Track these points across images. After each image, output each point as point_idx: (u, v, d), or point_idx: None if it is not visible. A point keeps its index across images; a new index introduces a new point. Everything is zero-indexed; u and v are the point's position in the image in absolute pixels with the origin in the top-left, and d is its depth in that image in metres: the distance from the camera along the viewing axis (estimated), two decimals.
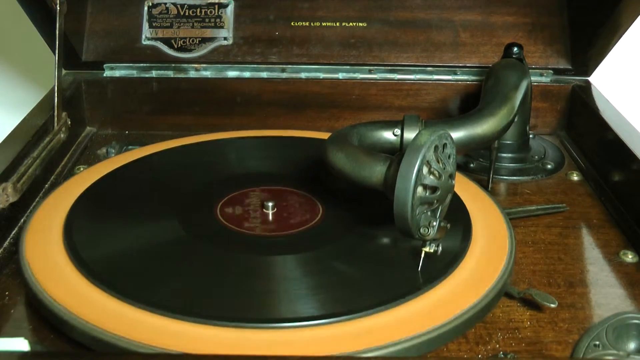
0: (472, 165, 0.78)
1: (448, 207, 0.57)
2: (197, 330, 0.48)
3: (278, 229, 0.61)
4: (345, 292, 0.53)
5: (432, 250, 0.54)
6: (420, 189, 0.53)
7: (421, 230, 0.53)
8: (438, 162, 0.54)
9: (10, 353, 0.44)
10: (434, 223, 0.53)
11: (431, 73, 0.87)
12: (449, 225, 0.55)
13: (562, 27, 0.88)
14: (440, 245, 0.55)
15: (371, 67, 0.87)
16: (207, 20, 0.88)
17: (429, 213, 0.54)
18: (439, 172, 0.53)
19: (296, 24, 0.88)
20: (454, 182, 0.56)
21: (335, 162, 0.60)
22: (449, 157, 0.55)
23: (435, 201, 0.54)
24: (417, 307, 0.51)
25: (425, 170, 0.52)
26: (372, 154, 0.58)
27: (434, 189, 0.53)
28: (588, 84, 0.87)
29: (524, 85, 0.74)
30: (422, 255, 0.54)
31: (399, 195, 0.51)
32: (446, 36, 0.88)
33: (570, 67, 0.88)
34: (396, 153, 0.57)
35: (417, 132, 0.62)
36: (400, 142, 0.65)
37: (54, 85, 0.74)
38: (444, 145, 0.55)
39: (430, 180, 0.53)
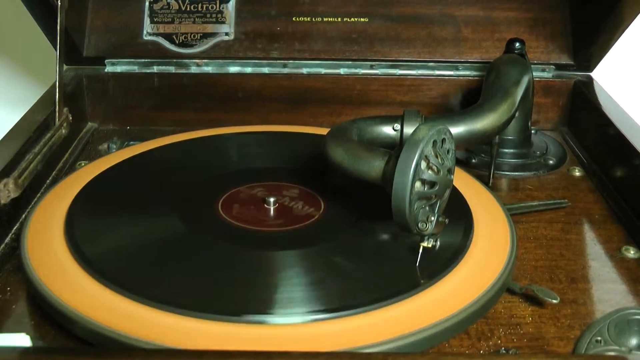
0: (473, 160, 0.78)
1: (447, 202, 0.57)
2: (198, 325, 0.48)
3: (279, 224, 0.61)
4: (347, 288, 0.53)
5: (430, 245, 0.54)
6: (418, 184, 0.53)
7: (419, 225, 0.53)
8: (436, 157, 0.53)
9: (12, 349, 0.44)
10: (432, 218, 0.53)
11: (433, 68, 0.87)
12: (447, 220, 0.55)
13: (564, 23, 0.88)
14: (439, 240, 0.55)
15: (373, 63, 0.87)
16: (208, 15, 0.88)
17: (427, 208, 0.54)
18: (437, 167, 0.53)
19: (297, 19, 0.88)
20: (452, 177, 0.55)
21: (334, 156, 0.60)
22: (448, 152, 0.55)
23: (434, 196, 0.54)
24: (419, 303, 0.51)
25: (423, 165, 0.52)
26: (371, 149, 0.58)
27: (432, 184, 0.53)
28: (590, 79, 0.87)
29: (525, 81, 0.74)
30: (420, 250, 0.54)
31: (397, 190, 0.51)
32: (448, 31, 0.88)
33: (572, 63, 0.87)
34: (395, 148, 0.57)
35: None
36: (400, 137, 0.65)
37: (55, 81, 0.74)
38: (443, 140, 0.54)
39: (428, 175, 0.53)
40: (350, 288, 0.53)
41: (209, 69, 0.87)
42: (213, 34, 0.88)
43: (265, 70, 0.87)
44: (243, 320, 0.48)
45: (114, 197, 0.65)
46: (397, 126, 0.65)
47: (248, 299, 0.51)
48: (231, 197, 0.65)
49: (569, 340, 0.52)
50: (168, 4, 0.88)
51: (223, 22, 0.88)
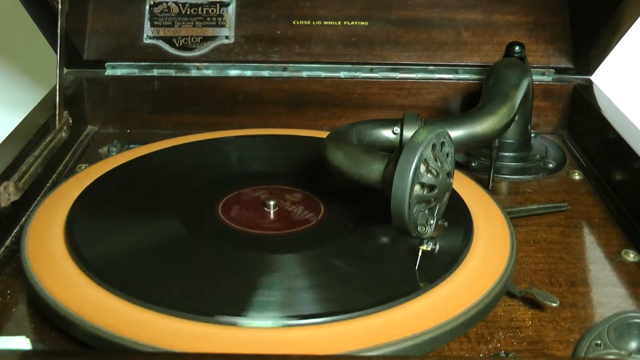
0: (473, 164, 0.78)
1: (446, 205, 0.57)
2: (197, 328, 0.48)
3: (279, 227, 0.61)
4: (347, 291, 0.53)
5: (429, 249, 0.54)
6: (417, 187, 0.53)
7: (418, 228, 0.53)
8: (436, 160, 0.54)
9: (12, 352, 0.44)
10: (432, 221, 0.53)
11: (432, 72, 0.87)
12: (446, 224, 0.55)
13: (563, 26, 0.88)
14: (438, 243, 0.55)
15: (373, 66, 0.87)
16: (208, 19, 0.88)
17: (426, 211, 0.54)
18: (436, 171, 0.53)
19: (298, 23, 0.88)
20: (452, 180, 0.56)
21: (334, 160, 0.60)
22: (447, 155, 0.55)
23: (433, 199, 0.54)
24: (419, 306, 0.51)
25: (422, 168, 0.52)
26: (370, 152, 0.58)
27: (431, 188, 0.53)
28: (590, 82, 0.87)
29: (524, 84, 0.74)
30: (420, 253, 0.54)
31: (396, 194, 0.52)
32: (448, 35, 0.88)
33: (571, 66, 0.88)
34: (394, 151, 0.57)
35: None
36: (400, 140, 0.65)
37: (56, 84, 0.74)
38: (442, 144, 0.55)
39: (427, 178, 0.53)
40: (349, 291, 0.53)
41: (209, 73, 0.87)
42: (213, 38, 0.88)
43: (265, 73, 0.87)
44: (242, 324, 0.48)
45: (114, 200, 0.66)
46: (397, 129, 0.65)
47: (247, 302, 0.51)
48: (231, 201, 0.65)
49: (568, 344, 0.52)
50: (168, 7, 0.88)
51: (223, 26, 0.88)
